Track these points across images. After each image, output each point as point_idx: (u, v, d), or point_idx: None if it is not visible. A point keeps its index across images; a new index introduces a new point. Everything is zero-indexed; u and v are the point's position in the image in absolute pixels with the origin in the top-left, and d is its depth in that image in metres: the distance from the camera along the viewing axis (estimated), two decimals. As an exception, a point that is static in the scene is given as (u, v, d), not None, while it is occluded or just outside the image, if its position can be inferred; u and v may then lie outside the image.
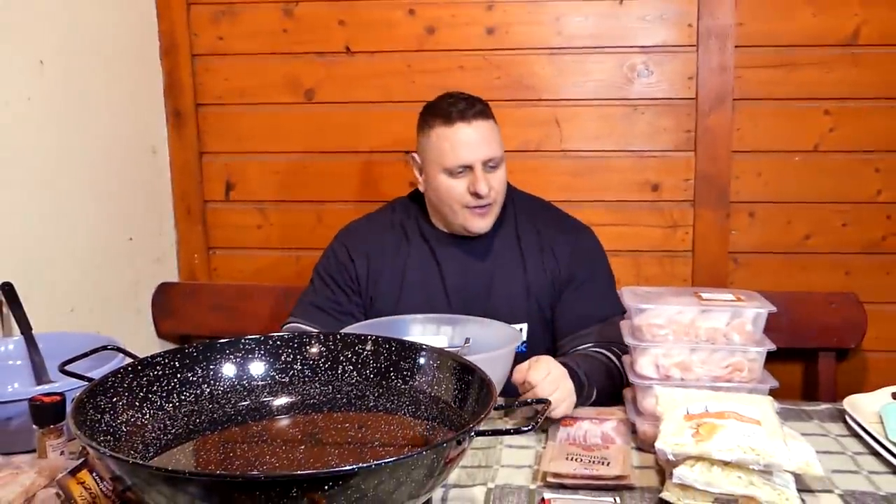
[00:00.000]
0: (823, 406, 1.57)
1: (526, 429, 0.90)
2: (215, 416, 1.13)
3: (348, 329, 1.53)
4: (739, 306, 1.36)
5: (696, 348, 1.36)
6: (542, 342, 1.74)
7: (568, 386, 1.43)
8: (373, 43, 2.33)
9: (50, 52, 1.91)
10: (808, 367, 2.30)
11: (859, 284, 2.28)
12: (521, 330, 1.71)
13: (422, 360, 1.18)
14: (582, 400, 1.49)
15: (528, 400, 1.06)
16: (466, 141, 1.67)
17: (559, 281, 1.76)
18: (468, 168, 1.68)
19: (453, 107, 1.69)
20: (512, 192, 1.85)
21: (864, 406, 1.47)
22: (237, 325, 2.38)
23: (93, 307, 2.06)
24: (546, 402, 1.02)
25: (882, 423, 1.40)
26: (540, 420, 0.92)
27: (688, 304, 1.37)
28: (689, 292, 1.44)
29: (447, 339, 1.54)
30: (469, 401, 1.07)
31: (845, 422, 1.47)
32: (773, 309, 1.35)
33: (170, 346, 2.47)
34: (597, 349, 1.64)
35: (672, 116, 2.29)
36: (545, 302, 1.75)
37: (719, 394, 1.25)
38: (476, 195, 1.67)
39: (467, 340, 1.49)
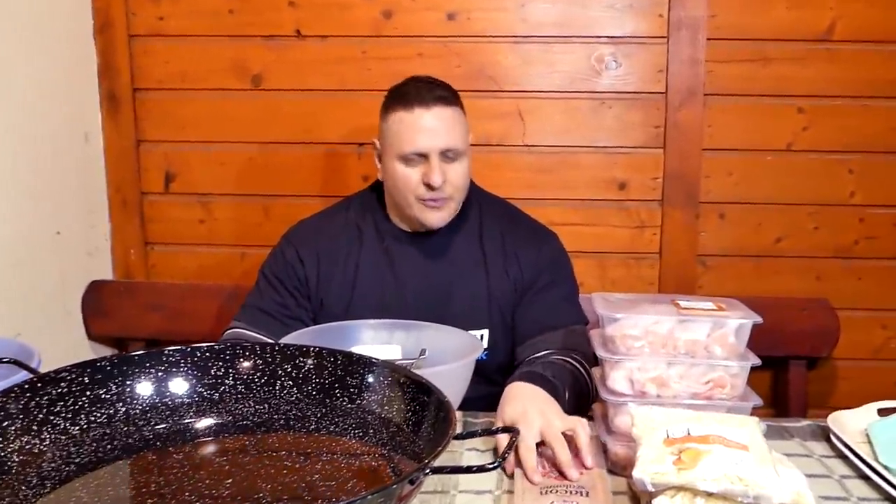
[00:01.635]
0: (804, 423, 1.46)
1: (491, 466, 0.77)
2: (130, 440, 0.97)
3: (290, 336, 1.39)
4: (721, 316, 1.24)
5: (673, 362, 1.23)
6: (504, 350, 1.62)
7: (558, 409, 1.29)
8: (325, 27, 2.17)
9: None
10: (778, 376, 2.21)
11: (830, 290, 2.20)
12: (481, 337, 1.58)
13: (371, 377, 1.04)
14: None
15: (494, 427, 0.92)
16: (423, 127, 1.54)
17: (521, 287, 1.64)
18: (424, 157, 1.55)
19: (413, 89, 1.57)
20: (479, 194, 1.73)
21: (849, 424, 1.36)
22: (178, 326, 2.23)
23: (12, 307, 1.88)
24: (515, 431, 0.89)
25: (870, 443, 1.29)
26: (508, 455, 0.79)
27: (665, 314, 1.25)
28: (665, 300, 1.32)
29: (400, 347, 1.40)
30: (424, 425, 0.93)
31: (829, 440, 1.36)
32: (759, 320, 1.23)
33: (103, 348, 2.30)
34: (558, 356, 1.52)
35: (641, 111, 2.18)
36: (507, 308, 1.63)
37: (701, 414, 1.13)
38: (429, 186, 1.55)
39: (423, 352, 1.35)
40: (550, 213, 2.18)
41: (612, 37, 2.15)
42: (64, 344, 2.12)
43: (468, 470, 0.77)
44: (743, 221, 2.21)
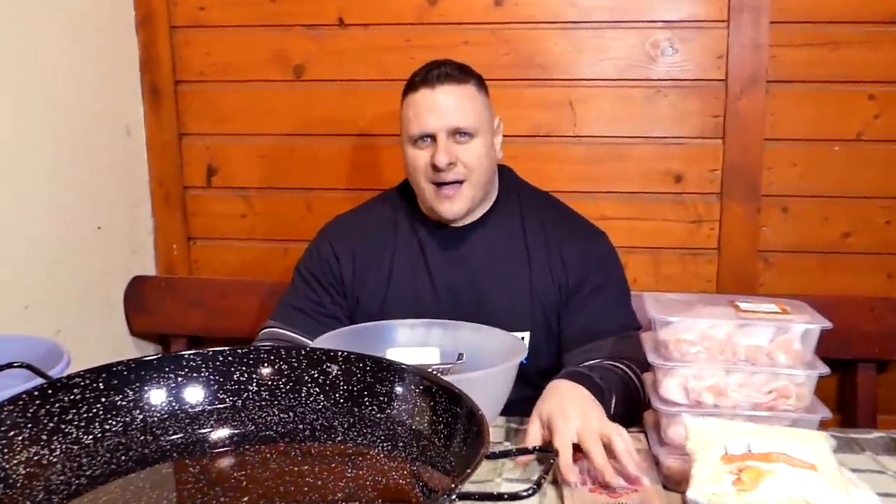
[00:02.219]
0: (876, 434, 1.35)
1: (525, 494, 0.69)
2: (146, 451, 0.92)
3: (324, 338, 1.32)
4: (785, 320, 1.14)
5: (732, 369, 1.14)
6: (546, 354, 1.53)
7: (601, 413, 1.21)
8: (368, 14, 2.11)
9: (11, 21, 1.70)
10: (845, 380, 2.08)
11: (903, 289, 2.07)
12: (522, 339, 1.50)
13: (401, 384, 0.96)
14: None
15: (531, 447, 0.84)
16: (428, 107, 1.47)
17: (566, 288, 1.54)
18: (432, 138, 1.48)
19: (421, 71, 1.51)
20: (519, 185, 1.65)
21: (928, 437, 1.25)
22: (220, 323, 2.20)
23: (53, 303, 1.85)
24: (554, 451, 0.80)
25: (951, 458, 1.18)
26: (545, 481, 0.71)
27: (723, 317, 1.15)
28: (724, 301, 1.22)
29: (438, 350, 1.32)
30: (456, 439, 0.85)
31: (905, 455, 1.25)
32: (828, 325, 1.13)
33: (146, 345, 2.28)
34: (608, 362, 1.43)
35: (699, 99, 2.06)
36: (550, 309, 1.54)
37: (762, 428, 1.04)
38: (435, 168, 1.47)
39: (460, 356, 1.28)
40: (602, 207, 2.09)
41: (668, 21, 2.04)
42: (106, 340, 2.10)
43: (500, 498, 0.69)
44: (808, 215, 2.08)
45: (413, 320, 1.43)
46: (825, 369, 1.11)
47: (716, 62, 2.04)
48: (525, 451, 0.84)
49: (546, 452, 0.81)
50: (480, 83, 1.54)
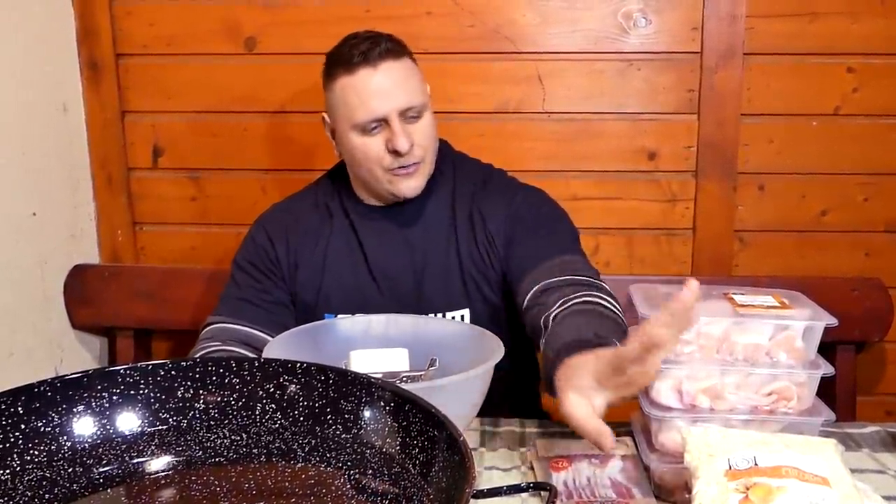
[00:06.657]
0: (871, 428, 1.28)
1: None
2: (75, 486, 0.79)
3: (282, 338, 1.20)
4: (786, 316, 1.05)
5: (728, 370, 1.05)
6: (494, 333, 1.40)
7: None
8: (324, -17, 1.97)
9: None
10: (824, 363, 2.02)
11: (881, 267, 2.01)
12: (462, 318, 1.42)
13: (368, 401, 0.85)
14: None
15: (523, 483, 0.73)
16: (375, 89, 1.36)
17: (496, 253, 1.44)
18: (383, 122, 1.38)
19: (354, 49, 1.39)
20: (455, 158, 1.55)
21: (929, 434, 1.17)
22: (169, 315, 2.05)
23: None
24: (551, 487, 0.70)
25: (956, 457, 1.11)
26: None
27: (719, 313, 1.06)
28: (716, 293, 1.13)
29: (407, 352, 1.20)
30: (435, 467, 0.75)
31: (904, 452, 1.18)
32: (832, 321, 1.04)
33: (89, 338, 2.13)
34: (582, 297, 1.23)
35: (673, 73, 1.96)
36: (484, 282, 1.45)
37: (767, 437, 0.95)
38: (395, 153, 1.38)
39: (433, 362, 1.17)
40: (573, 187, 2.00)
41: (641, -10, 1.94)
42: (45, 334, 1.95)
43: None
44: (785, 193, 2.01)
45: (378, 315, 1.32)
46: (829, 369, 1.03)
47: (690, 34, 1.95)
48: (518, 489, 0.73)
49: (541, 488, 0.71)
50: (412, 55, 1.45)
